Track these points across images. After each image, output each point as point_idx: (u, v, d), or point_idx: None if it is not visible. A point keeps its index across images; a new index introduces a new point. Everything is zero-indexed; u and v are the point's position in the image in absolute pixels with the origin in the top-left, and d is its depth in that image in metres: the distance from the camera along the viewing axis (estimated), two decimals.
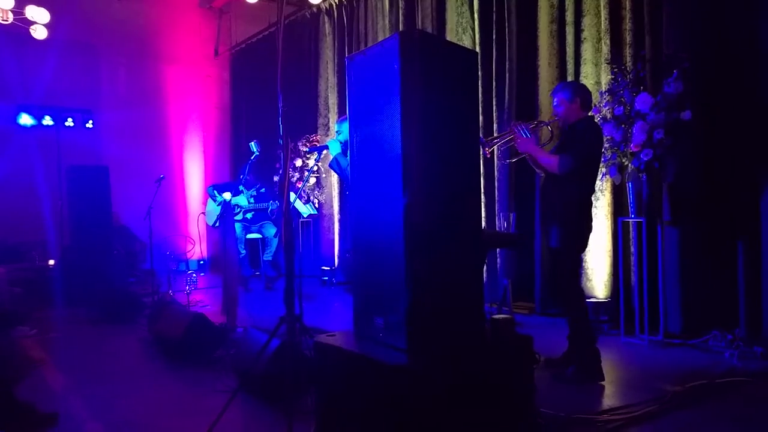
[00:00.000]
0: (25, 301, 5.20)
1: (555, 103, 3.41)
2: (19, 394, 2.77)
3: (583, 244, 3.33)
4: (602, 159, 3.56)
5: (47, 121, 7.07)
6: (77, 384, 3.40)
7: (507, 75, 5.04)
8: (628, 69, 3.95)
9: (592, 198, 3.47)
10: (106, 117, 7.86)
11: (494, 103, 5.16)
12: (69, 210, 6.81)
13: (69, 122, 7.24)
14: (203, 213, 6.86)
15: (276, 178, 7.38)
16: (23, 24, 6.17)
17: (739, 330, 3.64)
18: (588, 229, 3.31)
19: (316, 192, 7.11)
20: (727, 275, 3.78)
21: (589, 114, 3.42)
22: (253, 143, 6.36)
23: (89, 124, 7.43)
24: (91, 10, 7.77)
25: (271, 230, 6.80)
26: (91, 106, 7.65)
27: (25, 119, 6.94)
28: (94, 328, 4.94)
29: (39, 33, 6.33)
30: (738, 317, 3.69)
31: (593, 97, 3.67)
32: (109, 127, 7.91)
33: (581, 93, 3.35)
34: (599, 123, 3.77)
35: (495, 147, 3.66)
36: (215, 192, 6.81)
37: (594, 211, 3.78)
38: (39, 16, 6.16)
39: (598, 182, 3.90)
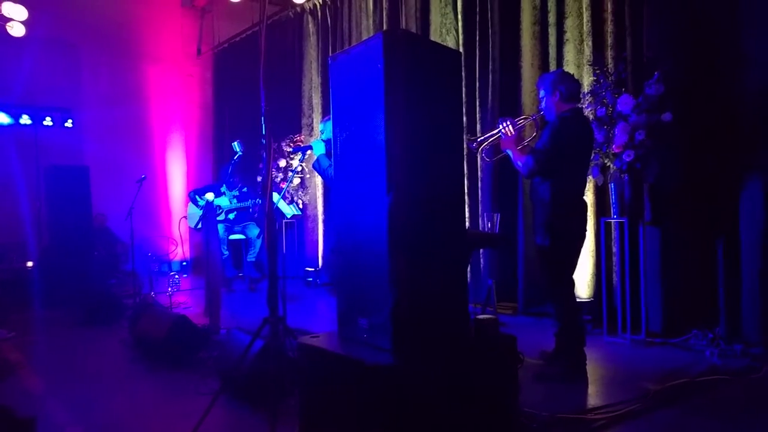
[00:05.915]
0: (3, 303, 5.10)
1: (539, 96, 3.35)
2: None
3: (570, 243, 3.19)
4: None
5: (25, 119, 6.96)
6: (56, 387, 3.34)
7: (490, 75, 5.07)
8: (610, 71, 3.98)
9: (584, 196, 3.33)
10: (86, 116, 7.76)
11: (477, 103, 5.18)
12: (48, 210, 6.69)
13: (48, 121, 7.14)
14: (185, 217, 6.79)
15: (259, 179, 7.33)
16: None
17: (719, 329, 3.70)
18: (572, 227, 3.17)
19: (300, 193, 7.07)
20: (707, 275, 3.83)
21: (577, 105, 3.26)
22: (236, 143, 6.32)
23: (68, 123, 7.32)
24: (71, 8, 7.65)
25: (254, 231, 6.75)
26: (71, 105, 7.54)
27: (2, 118, 6.82)
28: (74, 331, 4.86)
29: (16, 30, 6.22)
30: (718, 316, 3.74)
31: None
32: (89, 126, 7.81)
33: (561, 85, 3.18)
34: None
35: (483, 146, 3.59)
36: (197, 197, 6.73)
37: None
38: (16, 13, 6.05)
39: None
